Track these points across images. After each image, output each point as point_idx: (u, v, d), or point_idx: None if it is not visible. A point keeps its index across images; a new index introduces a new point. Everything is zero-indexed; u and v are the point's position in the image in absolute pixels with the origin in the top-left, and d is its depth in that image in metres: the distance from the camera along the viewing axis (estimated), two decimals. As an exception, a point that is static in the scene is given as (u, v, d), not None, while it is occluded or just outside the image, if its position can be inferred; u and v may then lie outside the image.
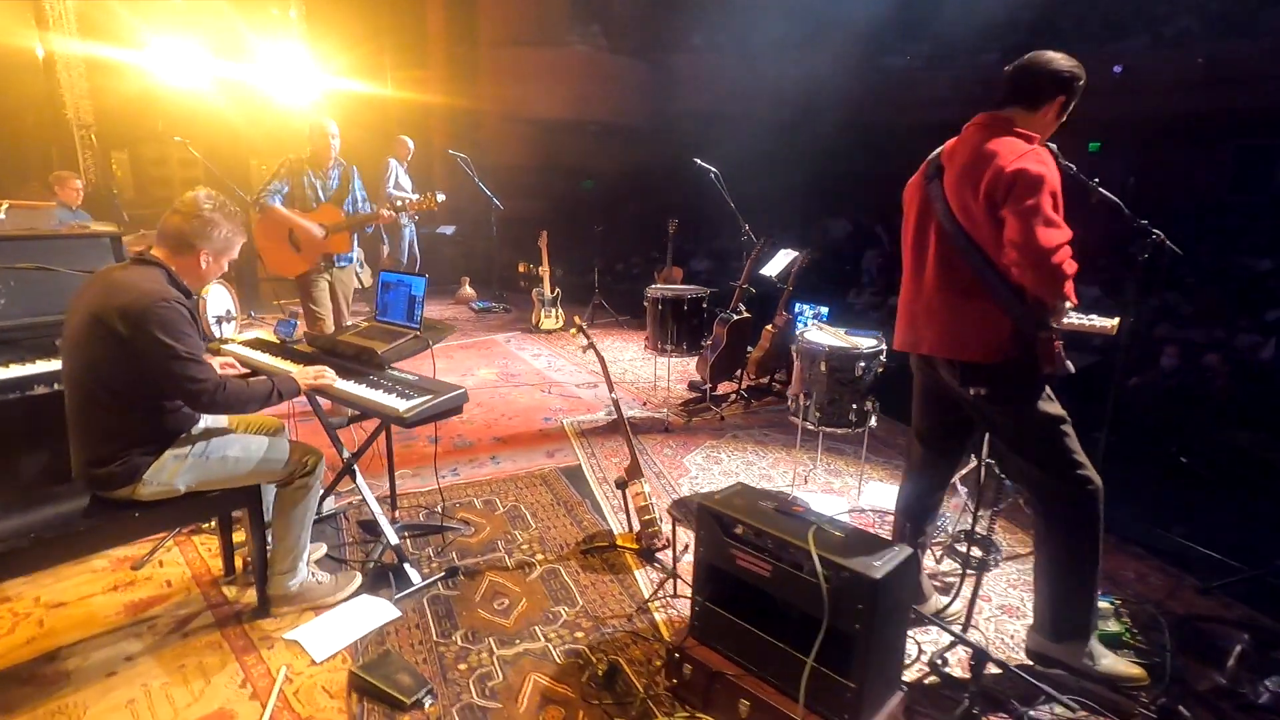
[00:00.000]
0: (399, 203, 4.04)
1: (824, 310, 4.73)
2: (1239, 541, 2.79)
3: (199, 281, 2.13)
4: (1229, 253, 8.29)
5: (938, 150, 2.04)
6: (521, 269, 10.72)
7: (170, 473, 2.02)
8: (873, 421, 3.02)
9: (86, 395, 1.93)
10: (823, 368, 2.93)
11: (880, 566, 1.58)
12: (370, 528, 2.90)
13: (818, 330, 3.17)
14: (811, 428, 3.05)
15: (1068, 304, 1.84)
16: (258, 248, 3.98)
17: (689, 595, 2.40)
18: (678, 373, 5.29)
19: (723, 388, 4.79)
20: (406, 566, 2.49)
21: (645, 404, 4.65)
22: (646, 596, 2.44)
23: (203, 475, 2.08)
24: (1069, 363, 1.90)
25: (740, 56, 12.09)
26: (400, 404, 2.10)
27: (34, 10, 7.72)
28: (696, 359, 4.81)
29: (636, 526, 2.76)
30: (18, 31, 7.65)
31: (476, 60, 11.47)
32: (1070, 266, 1.73)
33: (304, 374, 2.27)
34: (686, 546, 2.64)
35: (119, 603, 2.37)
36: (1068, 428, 1.90)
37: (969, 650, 1.93)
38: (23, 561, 1.83)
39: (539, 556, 2.73)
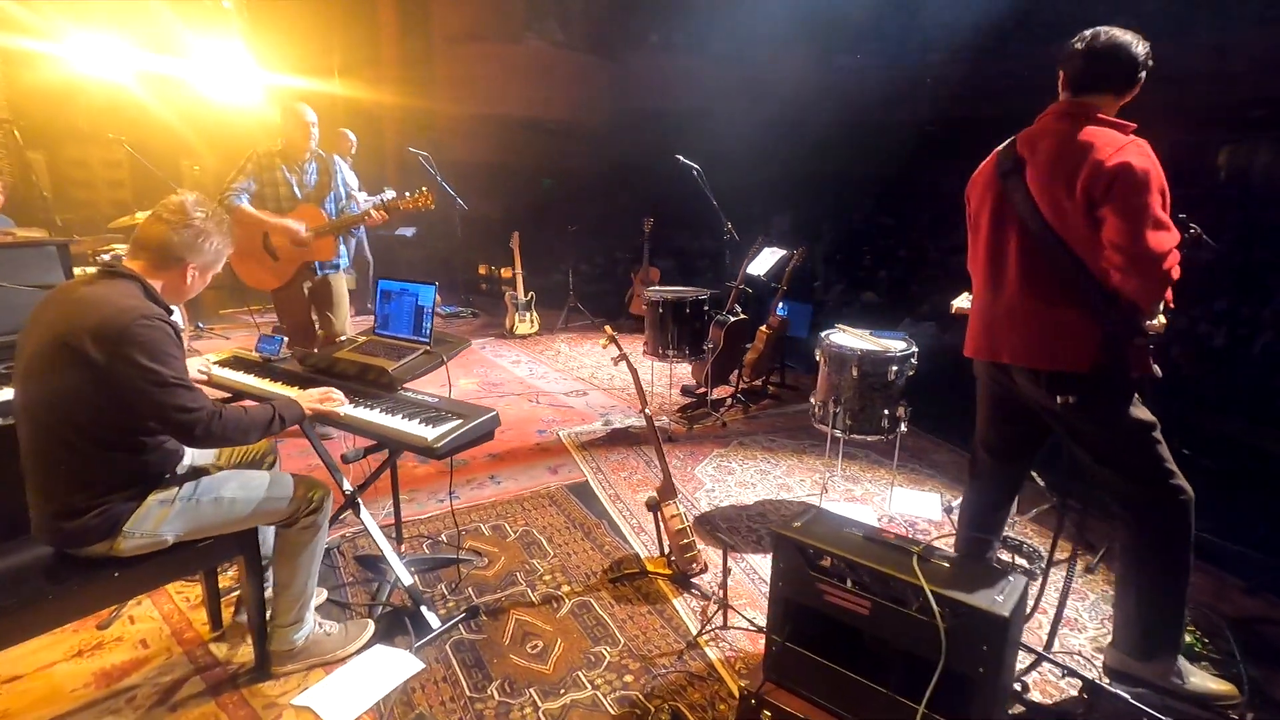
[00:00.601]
0: (385, 199, 3.57)
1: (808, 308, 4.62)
2: (1261, 534, 2.77)
3: (179, 299, 1.83)
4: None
5: (1008, 141, 1.90)
6: (483, 270, 10.39)
7: (155, 521, 1.72)
8: (903, 427, 2.89)
9: (50, 435, 1.61)
10: (854, 372, 2.78)
11: (1004, 602, 1.43)
12: (371, 564, 2.61)
13: (844, 333, 3.03)
14: (840, 435, 2.90)
15: (1160, 308, 1.73)
16: (229, 259, 3.53)
17: (744, 627, 2.23)
18: (668, 377, 5.11)
19: (717, 391, 4.63)
20: (423, 609, 2.22)
21: (642, 411, 4.43)
22: (695, 631, 2.24)
23: (194, 522, 1.78)
24: (1156, 367, 1.79)
25: (700, 55, 11.99)
26: (427, 431, 1.84)
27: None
28: (693, 363, 4.64)
29: (665, 548, 2.56)
30: None
31: (430, 55, 11.03)
32: (1177, 272, 1.62)
33: (307, 396, 1.98)
34: (730, 571, 2.46)
35: (87, 672, 2.04)
36: (1158, 434, 1.79)
37: (1061, 672, 1.80)
38: (-24, 641, 1.51)
39: (565, 588, 2.49)
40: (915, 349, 2.83)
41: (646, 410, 2.45)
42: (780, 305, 4.70)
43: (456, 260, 9.05)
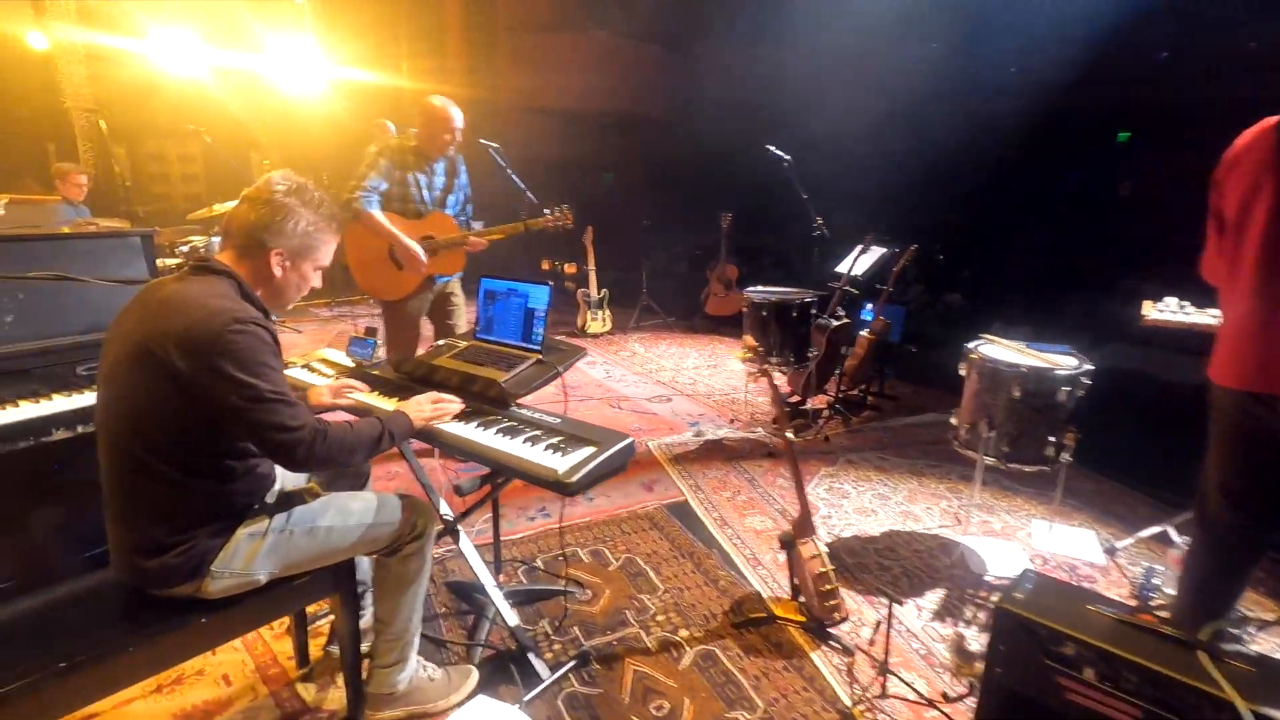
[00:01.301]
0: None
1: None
2: None
3: (276, 296, 1.56)
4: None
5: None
6: (545, 266, 10.21)
7: (246, 558, 1.47)
8: (1067, 456, 2.48)
9: (129, 458, 1.37)
10: (1015, 392, 2.39)
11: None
12: (465, 593, 2.36)
13: (994, 344, 2.63)
14: (994, 463, 2.51)
15: None
16: (348, 261, 3.16)
17: (906, 697, 1.88)
18: (743, 381, 4.74)
19: (811, 401, 4.26)
20: (531, 657, 1.95)
21: (733, 421, 4.11)
22: (844, 697, 1.91)
23: (289, 557, 1.53)
24: None
25: (771, 44, 11.54)
26: (555, 461, 1.55)
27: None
28: (788, 370, 4.28)
29: (795, 590, 2.23)
30: (12, 19, 7.03)
31: (495, 47, 10.88)
32: None
33: (415, 408, 1.72)
34: (878, 625, 2.11)
35: (166, 712, 1.82)
36: None
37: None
38: (49, 701, 1.28)
39: (683, 633, 2.19)
40: (1088, 367, 2.42)
41: (790, 435, 2.12)
42: (870, 309, 4.31)
43: (521, 256, 8.86)
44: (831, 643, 2.14)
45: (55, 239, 2.17)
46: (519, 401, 1.88)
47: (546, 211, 3.13)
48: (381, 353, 2.26)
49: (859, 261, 4.64)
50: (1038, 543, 2.76)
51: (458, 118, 3.08)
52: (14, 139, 7.56)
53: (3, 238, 2.06)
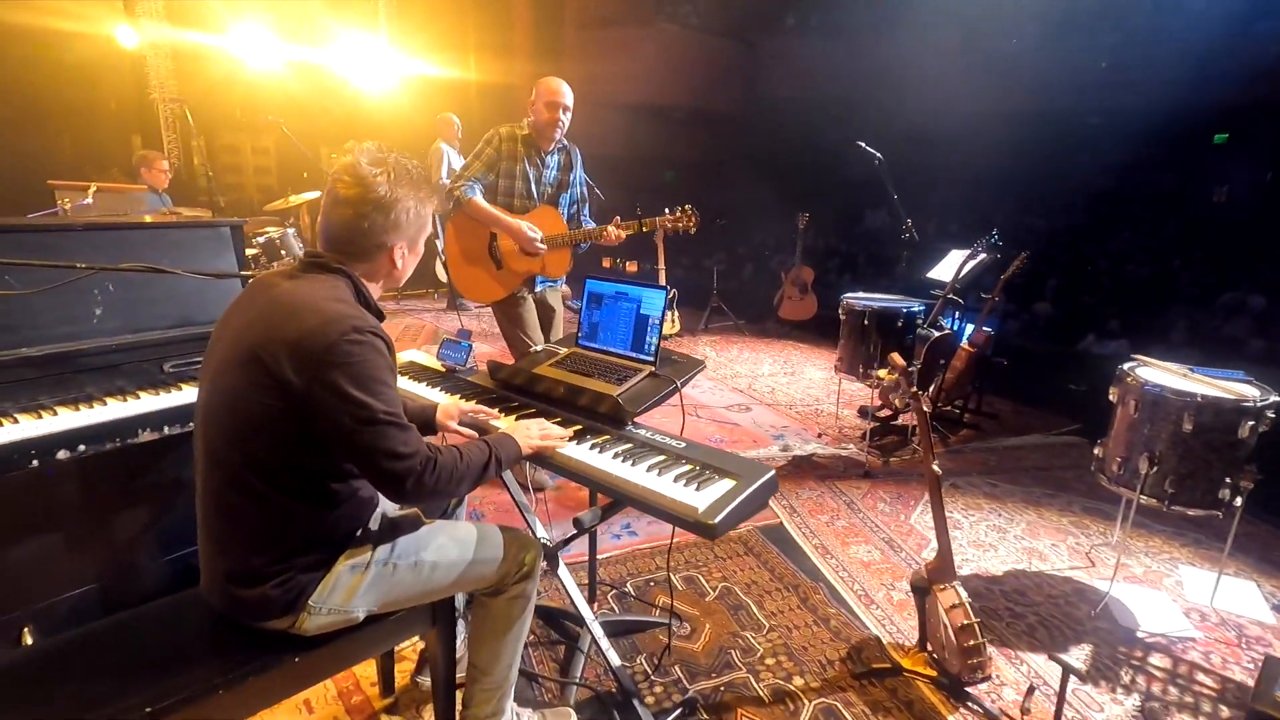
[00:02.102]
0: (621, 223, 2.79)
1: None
2: None
3: (395, 283, 1.43)
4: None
5: None
6: (606, 264, 10.07)
7: (346, 593, 1.31)
8: (1240, 500, 2.15)
9: (230, 475, 1.22)
10: (1186, 425, 2.08)
11: None
12: (554, 619, 2.18)
13: (1154, 368, 2.32)
14: (1153, 504, 2.20)
15: None
16: (445, 253, 3.03)
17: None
18: (833, 393, 4.46)
19: (902, 417, 3.97)
20: (636, 704, 1.75)
21: (821, 436, 3.84)
22: (1000, 775, 1.65)
23: (390, 593, 1.37)
24: None
25: (844, 40, 11.13)
26: (691, 496, 1.34)
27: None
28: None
29: (909, 634, 1.98)
30: (101, 16, 7.22)
31: (562, 41, 10.78)
32: None
33: (523, 432, 1.54)
34: (1030, 690, 1.85)
35: (247, 741, 1.69)
36: None
37: None
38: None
39: (797, 681, 1.96)
40: (1275, 398, 2.09)
41: (936, 468, 1.86)
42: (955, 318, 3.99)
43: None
44: (971, 704, 1.88)
45: (144, 228, 2.08)
46: (637, 420, 1.68)
47: (667, 210, 2.81)
48: (473, 359, 2.09)
49: (942, 266, 4.32)
50: (1190, 594, 2.44)
51: (566, 97, 2.76)
52: (102, 131, 7.80)
53: (93, 225, 1.97)
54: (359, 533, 1.37)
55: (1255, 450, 2.10)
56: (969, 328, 4.10)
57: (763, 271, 7.77)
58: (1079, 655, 2.12)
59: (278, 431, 1.19)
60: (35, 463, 1.61)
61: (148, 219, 4.41)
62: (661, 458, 1.50)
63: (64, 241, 1.88)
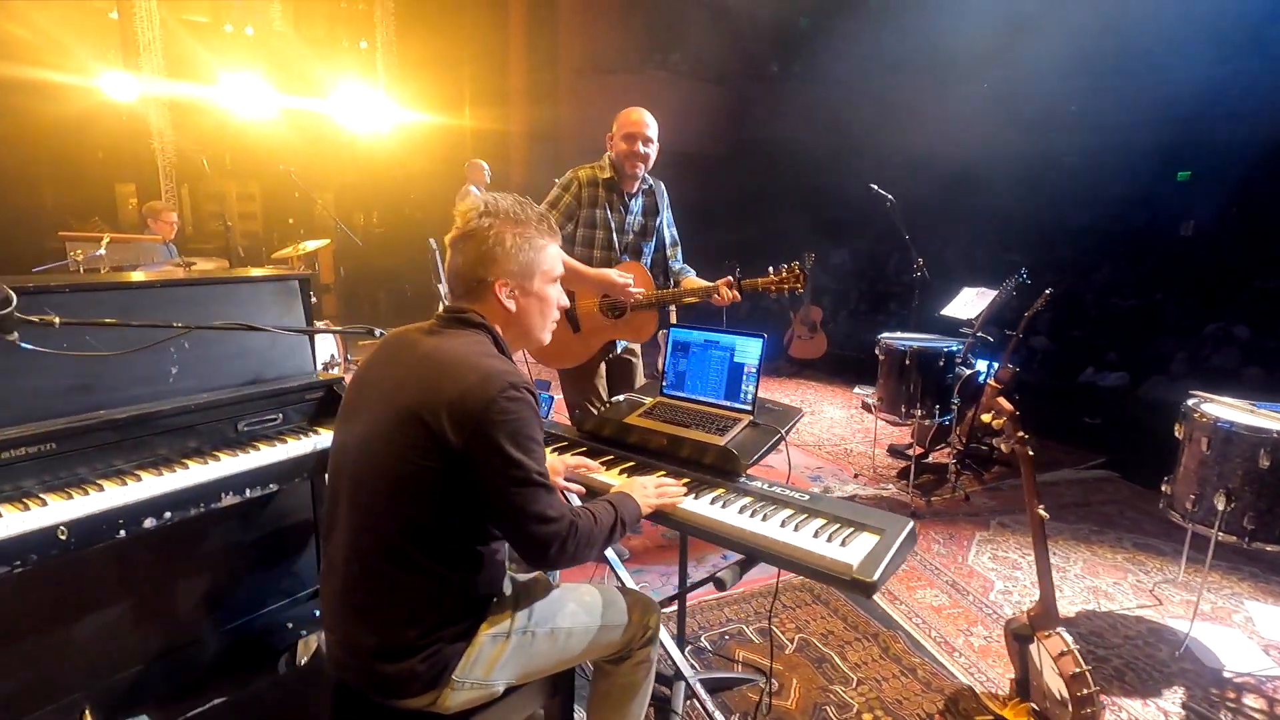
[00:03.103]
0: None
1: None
2: None
3: (524, 334, 1.36)
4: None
5: None
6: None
7: (488, 664, 1.25)
8: (1313, 534, 2.17)
9: (384, 543, 1.17)
10: (1264, 462, 2.10)
11: None
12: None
13: (1219, 404, 2.35)
14: (1232, 540, 2.20)
15: None
16: None
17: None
18: (859, 431, 4.45)
19: (933, 455, 3.98)
20: (751, 769, 1.68)
21: (858, 477, 3.83)
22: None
23: (528, 663, 1.30)
24: None
25: (820, 85, 11.51)
26: (842, 552, 1.30)
27: (124, 45, 7.32)
28: (913, 421, 4.00)
29: (997, 680, 1.94)
30: (88, 66, 7.18)
31: (556, 87, 10.99)
32: None
33: (639, 488, 1.49)
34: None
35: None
36: None
37: None
38: None
39: (901, 737, 1.90)
40: (1346, 432, 2.12)
41: (1043, 512, 1.84)
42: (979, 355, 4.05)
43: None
44: (1082, 756, 1.83)
45: (214, 283, 2.02)
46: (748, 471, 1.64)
47: (771, 270, 2.39)
48: (552, 411, 2.05)
49: (971, 305, 4.39)
50: (1264, 630, 2.43)
51: (647, 128, 2.42)
52: (86, 180, 7.71)
53: (169, 282, 1.92)
54: (495, 599, 1.31)
55: (1330, 485, 2.13)
56: (993, 365, 4.15)
57: (757, 310, 7.80)
58: (1172, 699, 2.09)
59: (436, 494, 1.15)
60: (122, 533, 1.53)
61: (165, 269, 4.34)
62: (790, 511, 1.47)
63: (142, 300, 1.82)
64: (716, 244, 10.23)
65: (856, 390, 5.77)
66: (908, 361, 3.37)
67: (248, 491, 1.76)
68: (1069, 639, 1.85)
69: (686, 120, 11.98)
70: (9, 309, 1.27)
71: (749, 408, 1.82)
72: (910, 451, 4.24)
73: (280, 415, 1.98)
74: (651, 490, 1.50)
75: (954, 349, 3.42)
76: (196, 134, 8.28)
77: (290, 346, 2.08)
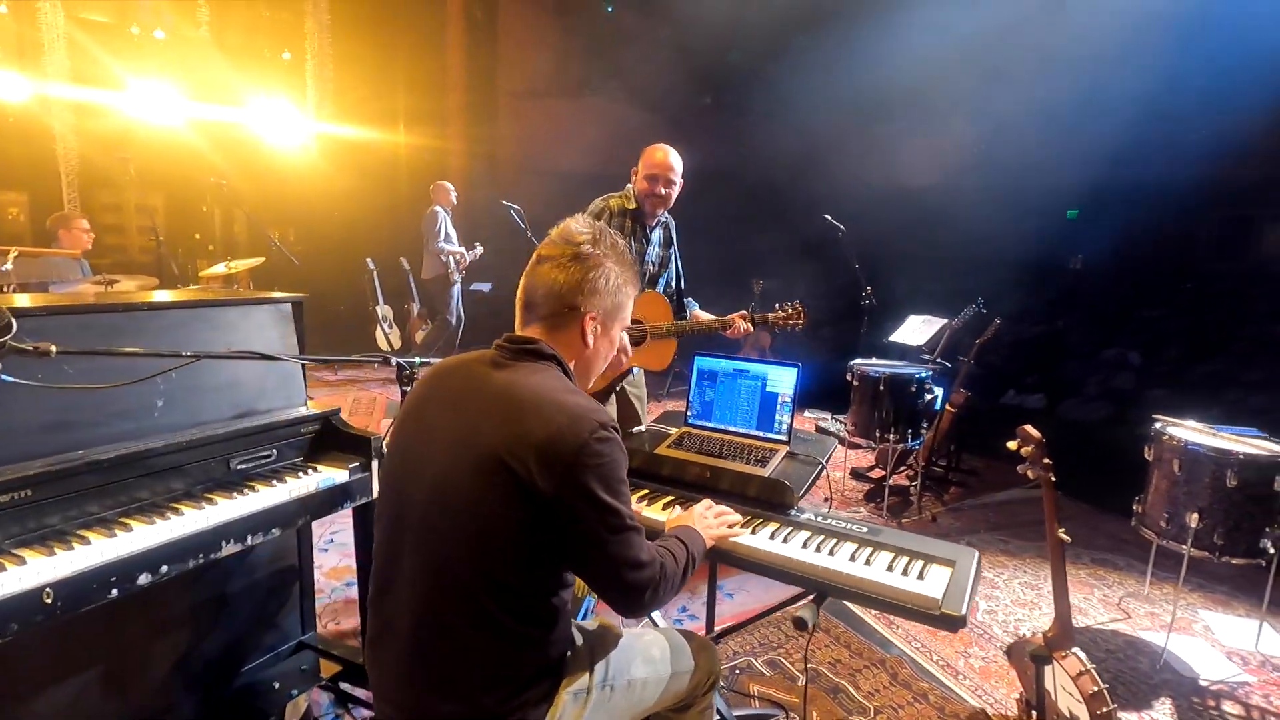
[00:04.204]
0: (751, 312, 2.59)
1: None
2: None
3: (584, 373, 1.29)
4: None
5: None
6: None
7: (572, 723, 1.15)
8: (1271, 548, 2.35)
9: (465, 601, 1.06)
10: (1231, 481, 2.27)
11: None
12: None
13: (1182, 428, 2.52)
14: (1204, 555, 2.36)
15: None
16: None
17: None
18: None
19: (893, 478, 4.11)
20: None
21: (828, 501, 3.88)
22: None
23: (612, 717, 1.21)
24: None
25: (749, 116, 11.91)
26: (925, 588, 1.29)
27: (20, 44, 6.69)
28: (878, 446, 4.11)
29: (997, 699, 1.98)
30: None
31: (495, 110, 10.86)
32: None
33: (701, 520, 1.44)
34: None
35: None
36: None
37: None
38: None
39: (929, 766, 1.90)
40: (1298, 452, 2.33)
41: (1064, 534, 1.90)
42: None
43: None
44: (1100, 773, 1.89)
45: (200, 306, 1.82)
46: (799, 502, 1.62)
47: (778, 306, 2.59)
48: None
49: (918, 332, 4.60)
50: (1224, 638, 2.61)
51: (669, 170, 2.50)
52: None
53: (156, 305, 1.72)
54: (570, 653, 1.22)
55: (1286, 502, 2.32)
56: (945, 390, 4.34)
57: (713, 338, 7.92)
58: (1162, 710, 2.20)
59: (522, 547, 1.05)
60: (114, 592, 1.34)
61: (83, 288, 3.94)
62: (854, 544, 1.45)
63: (127, 324, 1.62)
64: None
65: (808, 414, 5.90)
66: (881, 387, 3.46)
67: (249, 539, 1.58)
68: (1085, 658, 1.91)
69: (620, 147, 12.11)
70: (7, 336, 1.10)
71: (785, 438, 1.81)
72: (872, 474, 4.37)
73: (274, 451, 1.81)
74: (713, 520, 1.45)
75: (925, 375, 3.55)
76: (101, 141, 7.65)
77: (282, 376, 1.91)
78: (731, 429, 1.89)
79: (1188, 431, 2.48)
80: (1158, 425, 2.56)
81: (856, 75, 9.39)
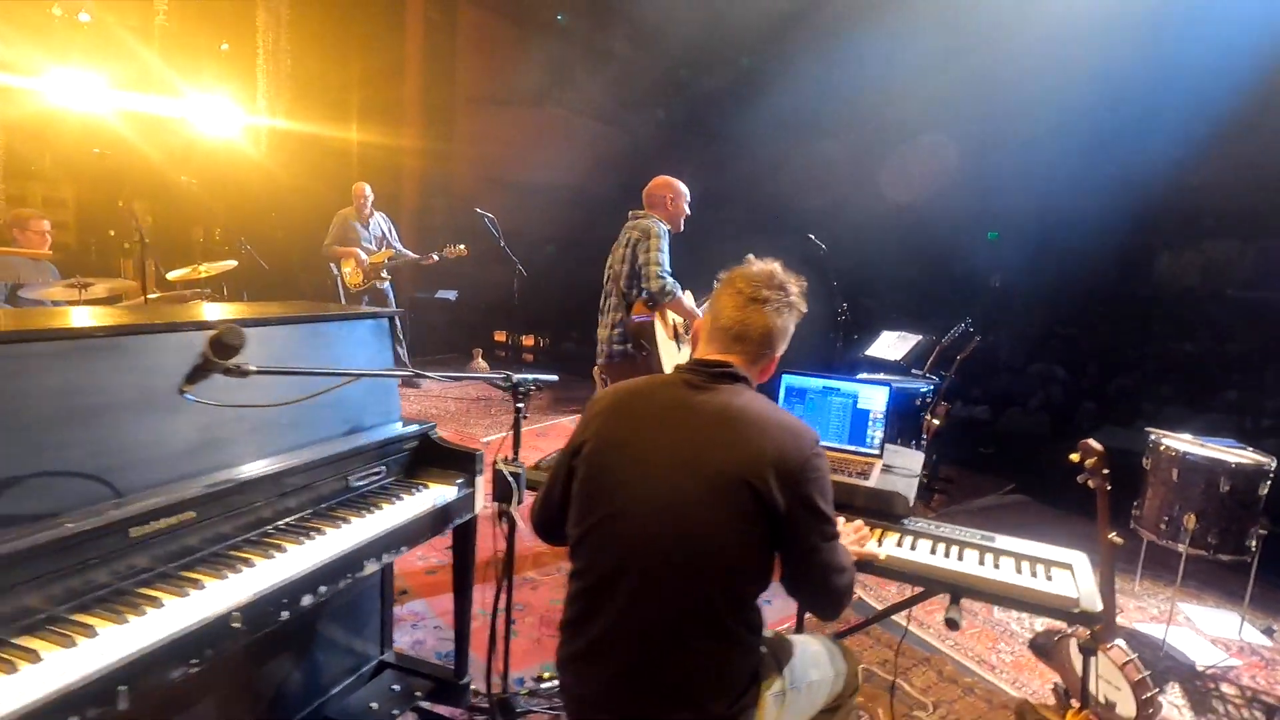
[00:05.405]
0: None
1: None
2: None
3: None
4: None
5: None
6: (500, 338, 9.92)
7: (770, 727, 1.23)
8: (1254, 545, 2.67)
9: (704, 618, 1.12)
10: (1224, 487, 2.56)
11: None
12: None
13: (1173, 439, 2.82)
14: (1200, 553, 2.65)
15: None
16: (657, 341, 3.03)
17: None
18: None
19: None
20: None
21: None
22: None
23: (797, 719, 1.29)
24: None
25: (702, 136, 12.20)
26: (1059, 588, 1.43)
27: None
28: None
29: (1032, 688, 2.19)
30: None
31: (453, 114, 10.70)
32: None
33: (844, 535, 1.54)
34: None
35: None
36: None
37: None
38: None
39: (996, 754, 2.06)
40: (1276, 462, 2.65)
41: (1115, 538, 2.10)
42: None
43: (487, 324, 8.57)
44: (1143, 753, 2.10)
45: (304, 321, 1.78)
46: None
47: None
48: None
49: (893, 347, 4.89)
50: (1205, 627, 2.91)
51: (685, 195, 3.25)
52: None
53: (278, 319, 1.67)
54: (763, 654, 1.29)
55: (1265, 506, 2.64)
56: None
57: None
58: (1174, 694, 2.45)
59: (760, 559, 1.13)
60: (285, 614, 1.32)
61: (53, 293, 3.67)
62: (975, 550, 1.59)
63: (257, 337, 1.57)
64: (599, 278, 10.34)
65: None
66: (889, 401, 3.66)
67: (384, 557, 1.57)
68: (1128, 649, 2.12)
69: (577, 157, 12.16)
70: (236, 357, 1.08)
71: (878, 452, 1.93)
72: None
73: (384, 468, 1.79)
74: (853, 537, 1.55)
75: (927, 389, 3.78)
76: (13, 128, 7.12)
77: (382, 392, 1.89)
78: (827, 445, 2.00)
79: (1182, 443, 2.78)
80: (1153, 437, 2.85)
81: (807, 96, 9.80)
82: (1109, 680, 2.17)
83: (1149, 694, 2.06)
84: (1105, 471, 2.09)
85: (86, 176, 7.98)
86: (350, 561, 1.47)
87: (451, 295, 8.12)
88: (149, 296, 4.23)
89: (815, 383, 2.03)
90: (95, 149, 5.51)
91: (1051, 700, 2.34)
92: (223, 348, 1.07)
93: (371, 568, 1.53)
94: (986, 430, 7.37)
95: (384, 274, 6.28)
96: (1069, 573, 1.51)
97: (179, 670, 1.11)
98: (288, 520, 1.50)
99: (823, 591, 1.20)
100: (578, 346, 9.89)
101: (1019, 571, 1.50)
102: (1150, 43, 5.87)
